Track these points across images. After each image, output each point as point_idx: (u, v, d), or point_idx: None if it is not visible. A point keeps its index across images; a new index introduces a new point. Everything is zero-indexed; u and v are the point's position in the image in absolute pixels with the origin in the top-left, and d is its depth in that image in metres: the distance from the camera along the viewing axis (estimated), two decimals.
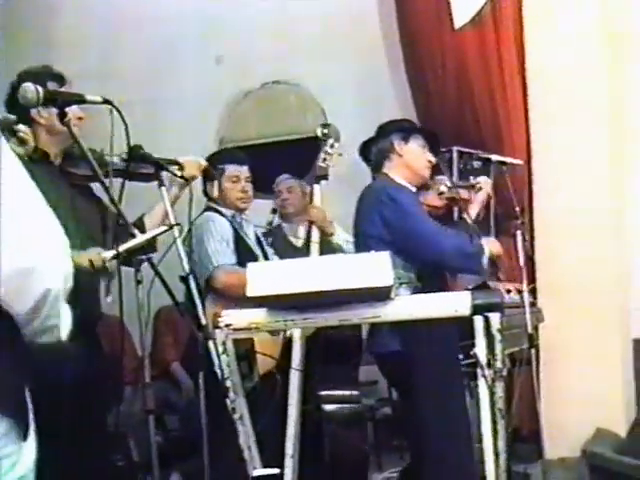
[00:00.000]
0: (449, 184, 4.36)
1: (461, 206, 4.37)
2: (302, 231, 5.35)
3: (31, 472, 1.71)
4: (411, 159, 4.14)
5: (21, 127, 3.07)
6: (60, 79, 3.35)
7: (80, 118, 3.32)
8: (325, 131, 4.20)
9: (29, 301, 1.61)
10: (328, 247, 4.25)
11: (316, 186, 4.24)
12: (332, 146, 4.20)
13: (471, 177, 4.51)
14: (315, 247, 4.09)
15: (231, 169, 4.39)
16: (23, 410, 1.70)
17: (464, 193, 4.37)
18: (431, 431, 3.78)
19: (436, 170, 4.30)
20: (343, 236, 4.32)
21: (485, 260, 3.97)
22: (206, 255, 4.12)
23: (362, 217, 4.07)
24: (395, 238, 3.81)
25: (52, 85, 3.23)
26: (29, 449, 1.70)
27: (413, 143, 4.16)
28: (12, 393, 1.68)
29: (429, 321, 2.43)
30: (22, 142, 3.04)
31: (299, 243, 5.33)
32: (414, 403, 3.85)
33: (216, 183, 4.32)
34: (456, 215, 4.67)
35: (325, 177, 4.18)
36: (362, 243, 4.02)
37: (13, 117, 3.02)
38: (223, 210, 4.35)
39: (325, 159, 4.19)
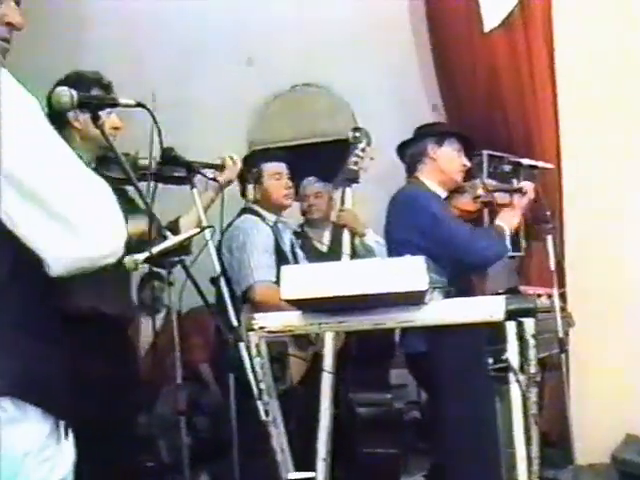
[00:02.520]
0: (489, 187, 4.35)
1: (496, 211, 4.35)
2: (327, 236, 5.35)
3: (70, 474, 1.72)
4: (444, 163, 4.16)
5: None
6: (107, 87, 3.36)
7: (116, 128, 3.33)
8: (357, 134, 4.20)
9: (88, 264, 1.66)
10: (360, 247, 4.26)
11: (347, 189, 4.25)
12: (364, 150, 4.21)
13: (514, 181, 4.48)
14: (347, 250, 4.09)
15: (271, 167, 4.47)
16: (67, 410, 1.71)
17: (502, 198, 4.36)
18: (456, 434, 3.78)
19: (470, 174, 4.31)
20: (374, 237, 4.32)
21: (508, 242, 4.05)
22: (248, 266, 4.17)
23: (394, 224, 4.11)
24: (430, 245, 3.82)
25: (96, 92, 3.24)
26: (69, 450, 1.71)
27: (447, 147, 4.18)
28: (59, 392, 1.69)
29: (457, 324, 2.43)
30: None
31: (324, 248, 5.32)
32: (440, 405, 3.85)
33: (251, 186, 4.36)
34: (486, 220, 4.65)
35: (356, 180, 4.18)
36: (395, 250, 4.03)
37: None
38: (264, 214, 4.39)
39: (356, 162, 4.19)
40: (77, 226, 1.60)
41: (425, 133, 4.27)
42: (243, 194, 4.49)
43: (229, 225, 4.29)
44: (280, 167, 4.51)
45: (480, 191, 4.34)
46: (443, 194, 4.22)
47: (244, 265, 4.20)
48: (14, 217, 1.58)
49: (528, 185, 4.37)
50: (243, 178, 4.28)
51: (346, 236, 4.09)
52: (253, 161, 4.49)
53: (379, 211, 4.24)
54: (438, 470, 4.14)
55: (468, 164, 4.25)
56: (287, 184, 4.51)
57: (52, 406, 1.65)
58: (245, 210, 4.45)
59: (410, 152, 4.26)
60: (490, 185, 4.41)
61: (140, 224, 2.98)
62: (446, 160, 4.18)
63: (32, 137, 1.61)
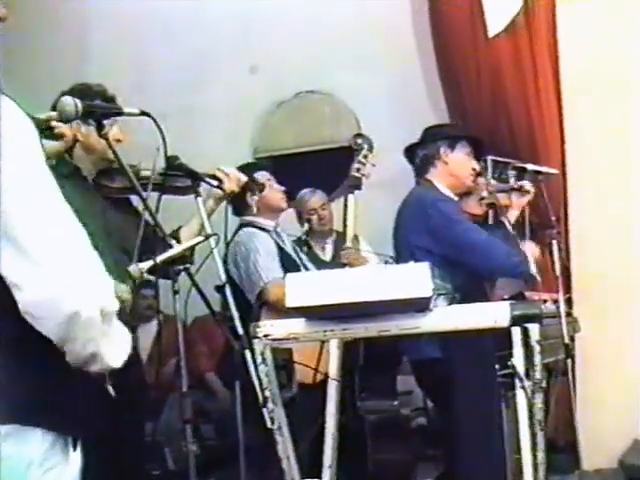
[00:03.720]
0: (491, 188, 4.35)
1: (501, 211, 4.35)
2: (329, 245, 5.36)
3: None
4: (456, 168, 4.16)
5: (57, 122, 3.04)
6: (111, 101, 3.35)
7: (119, 140, 3.32)
8: (359, 141, 4.20)
9: (54, 326, 1.61)
10: None
11: (350, 196, 4.25)
12: (366, 156, 4.20)
13: (512, 180, 4.49)
14: None
15: (262, 175, 4.56)
16: (71, 422, 1.70)
17: (503, 199, 4.37)
18: (463, 440, 3.77)
19: (477, 176, 4.31)
20: (366, 247, 4.36)
21: (532, 266, 3.99)
22: (255, 272, 4.23)
23: (406, 227, 4.09)
24: (445, 250, 3.81)
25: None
26: (75, 458, 1.72)
27: (459, 151, 4.17)
28: (58, 407, 1.69)
29: (465, 331, 2.43)
30: (60, 136, 3.03)
31: (327, 257, 5.33)
32: (447, 412, 3.84)
33: (252, 197, 4.41)
34: (491, 219, 4.65)
35: (359, 187, 4.18)
36: (407, 253, 4.00)
37: (53, 113, 2.99)
38: (263, 223, 4.44)
39: (359, 169, 4.19)
40: (41, 264, 1.59)
41: (437, 135, 4.26)
42: (236, 211, 4.51)
43: (228, 243, 4.32)
44: (267, 174, 4.62)
45: (484, 192, 4.34)
46: (454, 198, 4.22)
47: (251, 271, 4.25)
48: None
49: (527, 184, 4.38)
50: (244, 190, 4.28)
51: None
52: (247, 173, 4.54)
53: (381, 217, 4.23)
54: (446, 478, 4.13)
55: (478, 168, 4.25)
56: (279, 188, 4.61)
57: (54, 425, 1.65)
58: (242, 225, 4.49)
59: (421, 154, 4.25)
60: (492, 186, 4.42)
61: None
62: (458, 165, 4.17)
63: (26, 179, 1.62)
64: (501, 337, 2.44)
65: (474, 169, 4.21)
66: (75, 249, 1.65)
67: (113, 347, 1.73)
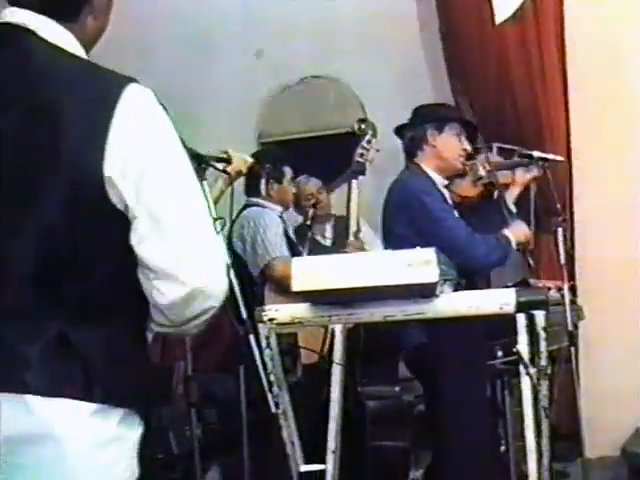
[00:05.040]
0: (492, 165, 4.30)
1: (500, 191, 4.32)
2: (329, 230, 5.35)
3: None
4: (444, 150, 4.12)
5: None
6: None
7: None
8: (362, 126, 4.20)
9: (189, 312, 1.68)
10: None
11: (353, 181, 4.24)
12: (369, 141, 4.19)
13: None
14: None
15: (289, 171, 4.71)
16: (144, 400, 1.76)
17: (504, 177, 4.33)
18: (447, 425, 3.78)
19: (472, 156, 4.27)
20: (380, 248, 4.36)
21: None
22: (262, 246, 4.25)
23: (392, 217, 4.08)
24: (426, 244, 3.77)
25: None
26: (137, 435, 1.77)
27: (447, 133, 4.14)
28: (140, 386, 1.75)
29: (456, 318, 2.41)
30: None
31: (328, 242, 5.32)
32: (433, 399, 3.84)
33: (264, 181, 4.42)
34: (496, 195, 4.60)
35: (362, 172, 4.18)
36: (391, 241, 4.02)
37: None
38: (271, 206, 4.46)
39: (362, 154, 4.18)
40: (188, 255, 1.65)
41: (424, 117, 4.23)
42: (248, 191, 4.53)
43: (234, 221, 4.32)
44: (292, 172, 4.71)
45: (481, 172, 4.30)
46: (443, 181, 4.18)
47: (258, 245, 4.28)
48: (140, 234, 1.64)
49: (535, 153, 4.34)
50: (254, 173, 4.29)
51: None
52: (273, 159, 4.59)
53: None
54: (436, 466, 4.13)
55: (469, 148, 4.20)
56: (294, 188, 4.78)
57: (136, 403, 1.71)
58: (249, 205, 4.50)
59: (409, 136, 4.22)
60: (494, 163, 4.35)
61: None
62: (446, 147, 4.13)
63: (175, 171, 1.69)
64: (506, 324, 2.44)
65: (465, 149, 4.17)
66: (211, 242, 1.71)
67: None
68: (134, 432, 1.69)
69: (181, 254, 1.63)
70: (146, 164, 1.63)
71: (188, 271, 1.63)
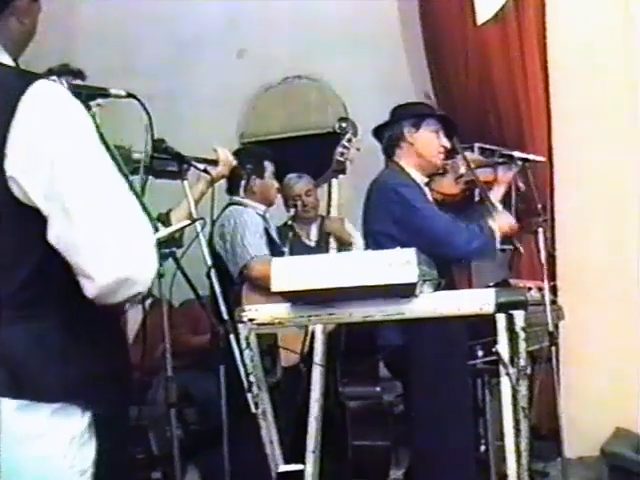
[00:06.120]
0: (472, 162, 4.29)
1: (481, 189, 4.32)
2: (314, 231, 5.33)
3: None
4: (422, 147, 4.12)
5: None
6: (80, 75, 3.34)
7: None
8: (343, 125, 4.21)
9: (117, 299, 1.68)
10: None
11: (334, 180, 4.24)
12: (350, 140, 4.20)
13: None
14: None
15: (270, 165, 4.65)
16: (102, 401, 1.77)
17: (485, 175, 4.33)
18: (422, 425, 3.79)
19: (452, 154, 4.27)
20: (361, 242, 4.34)
21: (497, 244, 3.98)
22: (241, 246, 4.24)
23: (371, 214, 4.09)
24: (406, 236, 3.77)
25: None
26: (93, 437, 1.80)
27: (424, 130, 4.14)
28: (96, 385, 1.76)
29: (436, 319, 2.42)
30: None
31: (312, 243, 5.31)
32: (414, 398, 3.85)
33: (244, 181, 4.42)
34: (477, 196, 4.61)
35: (343, 171, 4.18)
36: (372, 240, 4.02)
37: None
38: (253, 205, 4.46)
39: (343, 153, 4.18)
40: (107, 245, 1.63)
41: (401, 115, 4.22)
42: (230, 190, 4.53)
43: (216, 219, 4.31)
44: (273, 166, 4.65)
45: (462, 169, 4.30)
46: (423, 179, 4.18)
47: (237, 244, 4.26)
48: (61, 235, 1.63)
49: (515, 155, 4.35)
50: (236, 173, 4.27)
51: (333, 243, 4.10)
52: (254, 155, 4.58)
53: None
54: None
55: (448, 145, 4.19)
56: (276, 183, 4.72)
57: (92, 402, 1.73)
58: (232, 204, 4.50)
59: (387, 135, 4.22)
60: (473, 160, 4.36)
61: None
62: (423, 144, 4.13)
63: (85, 163, 1.68)
64: (486, 324, 2.45)
65: (443, 146, 4.17)
66: (139, 227, 1.71)
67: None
68: (73, 424, 1.69)
69: (92, 249, 1.62)
70: (54, 159, 1.61)
71: (99, 266, 1.62)
